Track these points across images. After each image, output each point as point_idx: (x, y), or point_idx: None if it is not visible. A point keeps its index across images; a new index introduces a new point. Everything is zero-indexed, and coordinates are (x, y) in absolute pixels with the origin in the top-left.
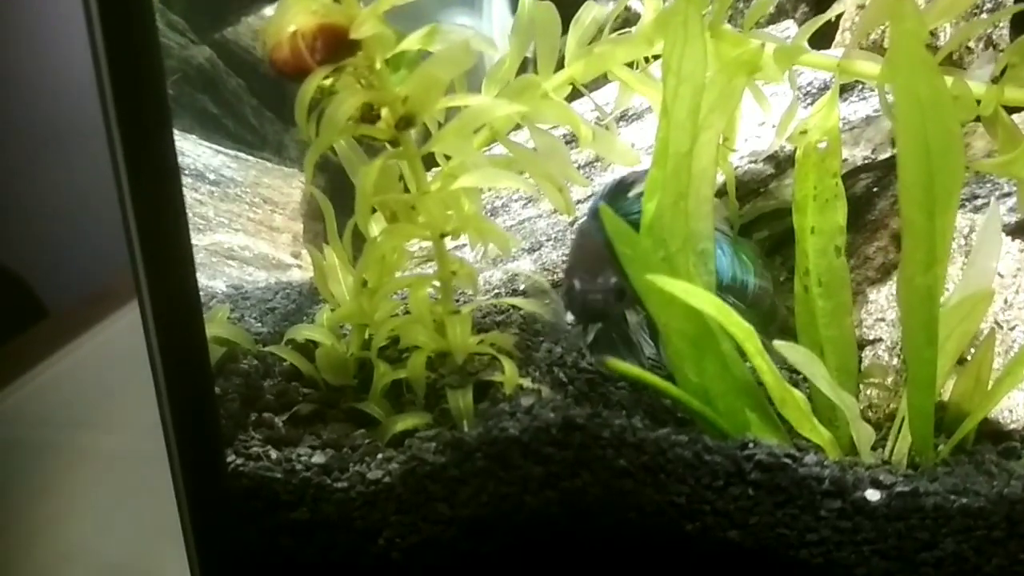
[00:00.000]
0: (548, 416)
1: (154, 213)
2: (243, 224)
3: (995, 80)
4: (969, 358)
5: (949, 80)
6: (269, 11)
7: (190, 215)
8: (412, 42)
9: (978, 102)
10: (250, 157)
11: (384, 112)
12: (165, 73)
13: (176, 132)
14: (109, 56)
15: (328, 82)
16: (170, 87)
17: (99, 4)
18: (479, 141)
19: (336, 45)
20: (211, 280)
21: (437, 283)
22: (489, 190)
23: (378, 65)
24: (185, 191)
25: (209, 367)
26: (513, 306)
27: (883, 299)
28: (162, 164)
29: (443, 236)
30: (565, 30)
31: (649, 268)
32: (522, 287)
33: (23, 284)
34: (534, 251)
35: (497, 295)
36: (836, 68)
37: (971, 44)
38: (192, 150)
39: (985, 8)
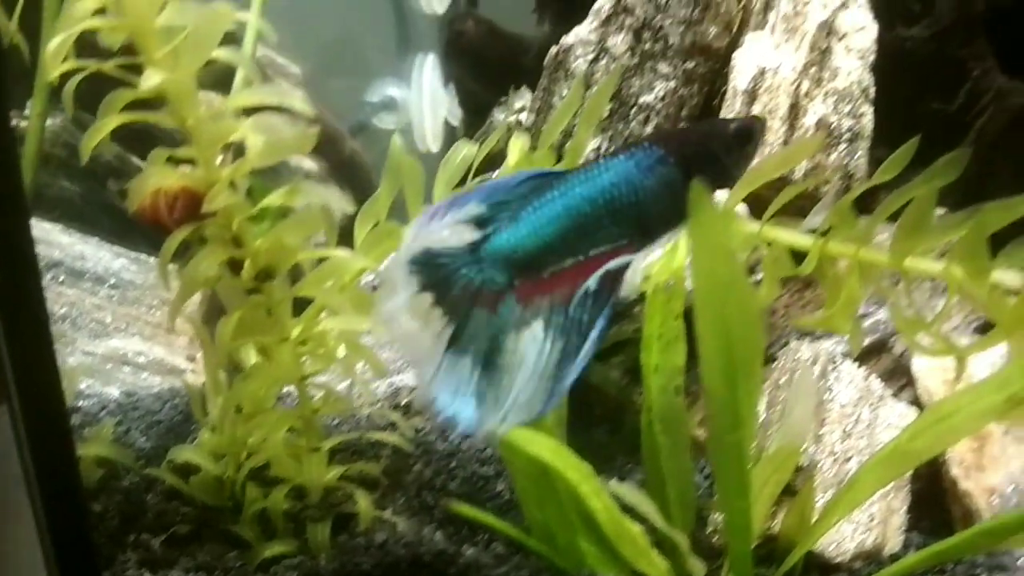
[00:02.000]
0: (399, 552)
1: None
2: (140, 328)
3: (824, 233)
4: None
5: (774, 233)
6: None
7: (87, 320)
8: (273, 199)
9: None
10: (151, 259)
11: (247, 263)
12: (20, 170)
13: (78, 235)
14: None
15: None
16: (77, 185)
17: None
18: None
19: (195, 207)
20: (105, 386)
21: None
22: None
23: (235, 227)
24: (84, 295)
25: (81, 490)
26: (378, 441)
27: None
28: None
29: (304, 379)
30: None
31: None
32: (404, 401)
33: None
34: None
35: (380, 407)
36: None
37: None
38: (93, 254)
39: (844, 138)
